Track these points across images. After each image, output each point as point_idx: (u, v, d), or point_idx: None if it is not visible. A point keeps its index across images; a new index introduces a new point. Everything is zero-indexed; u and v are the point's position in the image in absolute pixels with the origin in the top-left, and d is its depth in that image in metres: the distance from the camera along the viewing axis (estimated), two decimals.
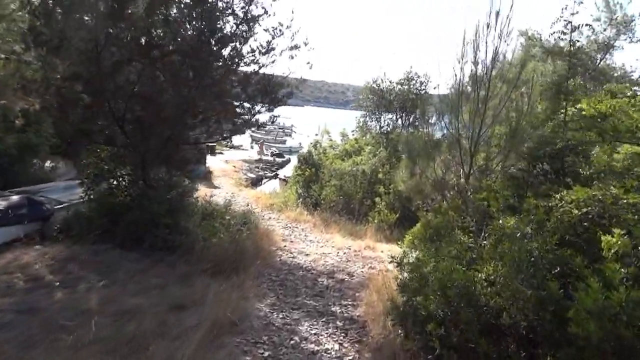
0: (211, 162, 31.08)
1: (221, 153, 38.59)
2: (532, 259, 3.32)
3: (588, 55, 16.47)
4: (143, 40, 6.81)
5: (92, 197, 8.36)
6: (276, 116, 9.02)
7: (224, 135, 8.76)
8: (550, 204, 3.93)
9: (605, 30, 19.97)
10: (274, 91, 8.35)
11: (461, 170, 7.73)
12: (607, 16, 19.78)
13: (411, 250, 7.03)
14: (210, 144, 37.23)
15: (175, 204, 8.37)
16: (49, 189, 9.75)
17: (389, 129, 14.77)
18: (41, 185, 9.96)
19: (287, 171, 28.62)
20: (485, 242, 4.24)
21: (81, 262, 6.89)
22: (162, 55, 6.95)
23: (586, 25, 11.31)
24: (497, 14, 6.88)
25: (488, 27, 6.96)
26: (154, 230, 7.79)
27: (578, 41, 11.04)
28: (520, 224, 3.67)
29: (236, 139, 50.83)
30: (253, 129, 10.34)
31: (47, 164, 12.11)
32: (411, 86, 14.12)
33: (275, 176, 32.06)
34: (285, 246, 9.81)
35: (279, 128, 57.82)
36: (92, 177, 8.45)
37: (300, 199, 15.42)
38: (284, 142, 49.92)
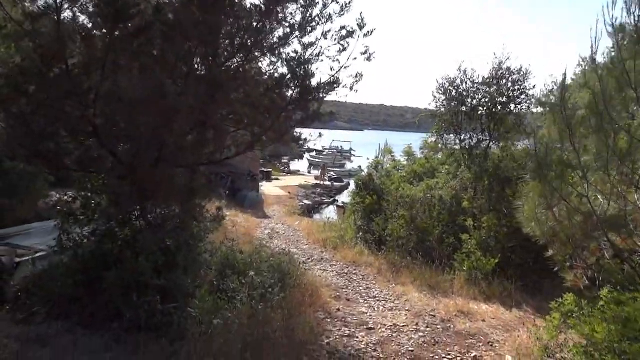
0: (266, 188, 29.29)
1: (277, 179, 36.74)
2: None
3: None
4: (108, 9, 4.37)
5: (64, 246, 5.95)
6: (316, 115, 6.10)
7: (239, 150, 6.03)
8: None
9: None
10: (310, 87, 5.61)
11: None
12: None
13: None
14: (265, 170, 35.70)
15: (176, 255, 5.75)
16: (29, 231, 7.58)
17: (472, 143, 11.44)
18: (19, 228, 7.80)
19: (346, 197, 25.80)
20: None
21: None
22: (136, 31, 4.46)
23: None
24: None
25: None
26: (139, 297, 5.17)
27: None
28: None
29: (294, 165, 49.42)
30: (301, 146, 7.43)
31: (49, 197, 10.08)
32: (501, 86, 10.81)
33: (334, 202, 29.52)
34: (338, 310, 6.81)
35: (338, 152, 55.66)
36: (65, 216, 6.08)
37: (360, 234, 12.37)
38: (342, 165, 47.33)
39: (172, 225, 6.43)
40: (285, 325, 5.22)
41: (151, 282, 5.31)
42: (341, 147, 59.82)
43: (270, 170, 37.84)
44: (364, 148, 53.82)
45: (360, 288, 8.36)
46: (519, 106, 10.75)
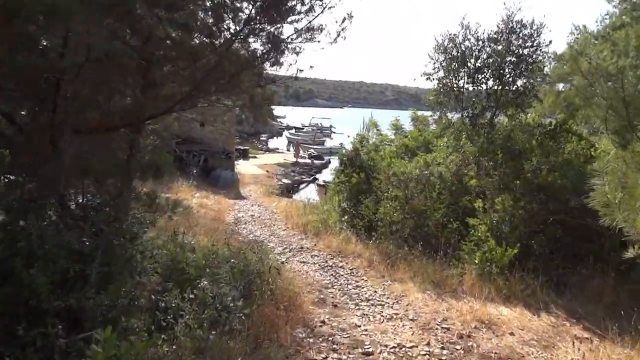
0: (243, 167, 27.39)
1: (255, 157, 34.80)
2: None
3: None
4: None
5: None
6: (289, 44, 4.33)
7: (170, 105, 4.17)
8: None
9: None
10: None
11: None
12: None
13: None
14: (242, 148, 33.65)
15: (96, 262, 3.99)
16: None
17: (475, 112, 9.83)
18: None
19: (327, 175, 24.24)
20: None
21: None
22: None
23: None
24: None
25: None
26: (29, 327, 3.42)
27: None
28: None
29: (273, 142, 47.28)
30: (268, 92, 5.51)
31: None
32: (511, 43, 9.14)
33: (314, 180, 27.96)
34: (323, 323, 5.20)
35: (317, 129, 53.82)
36: None
37: (346, 217, 10.76)
38: (322, 142, 45.59)
39: (100, 217, 4.69)
40: None
41: (50, 305, 3.57)
42: (321, 124, 57.96)
43: (248, 148, 35.95)
44: (344, 125, 52.07)
45: (349, 287, 6.79)
46: (532, 66, 9.13)
